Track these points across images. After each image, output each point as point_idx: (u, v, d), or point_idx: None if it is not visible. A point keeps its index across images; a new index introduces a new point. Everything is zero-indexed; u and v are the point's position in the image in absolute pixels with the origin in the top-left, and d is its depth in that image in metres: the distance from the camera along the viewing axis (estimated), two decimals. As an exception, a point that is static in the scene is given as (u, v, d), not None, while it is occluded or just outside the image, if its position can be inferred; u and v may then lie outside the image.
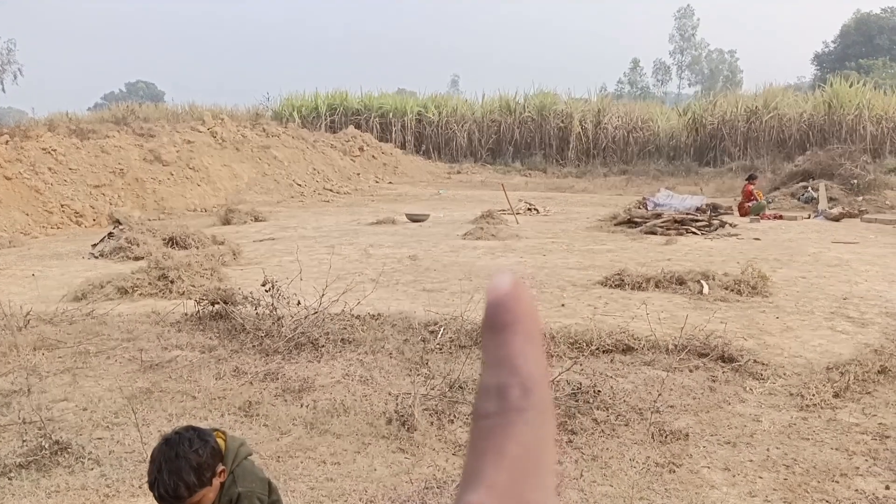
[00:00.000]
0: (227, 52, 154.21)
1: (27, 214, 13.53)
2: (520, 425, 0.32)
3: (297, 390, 4.77)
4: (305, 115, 31.13)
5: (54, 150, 15.40)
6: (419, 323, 6.22)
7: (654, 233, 11.83)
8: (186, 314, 6.32)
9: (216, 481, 2.14)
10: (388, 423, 4.23)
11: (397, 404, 4.39)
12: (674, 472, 3.73)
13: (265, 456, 3.82)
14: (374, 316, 6.40)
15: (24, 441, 3.88)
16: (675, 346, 5.45)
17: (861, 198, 16.27)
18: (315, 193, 19.78)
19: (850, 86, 27.53)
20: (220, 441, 2.31)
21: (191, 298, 6.62)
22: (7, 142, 15.05)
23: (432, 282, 8.25)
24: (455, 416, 4.35)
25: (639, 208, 13.48)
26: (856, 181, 16.94)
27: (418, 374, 5.00)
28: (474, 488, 0.31)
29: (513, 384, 0.33)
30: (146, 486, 3.46)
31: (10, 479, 3.57)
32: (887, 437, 4.10)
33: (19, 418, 4.12)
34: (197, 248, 9.69)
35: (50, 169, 14.87)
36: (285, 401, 4.62)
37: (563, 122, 29.58)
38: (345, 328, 5.85)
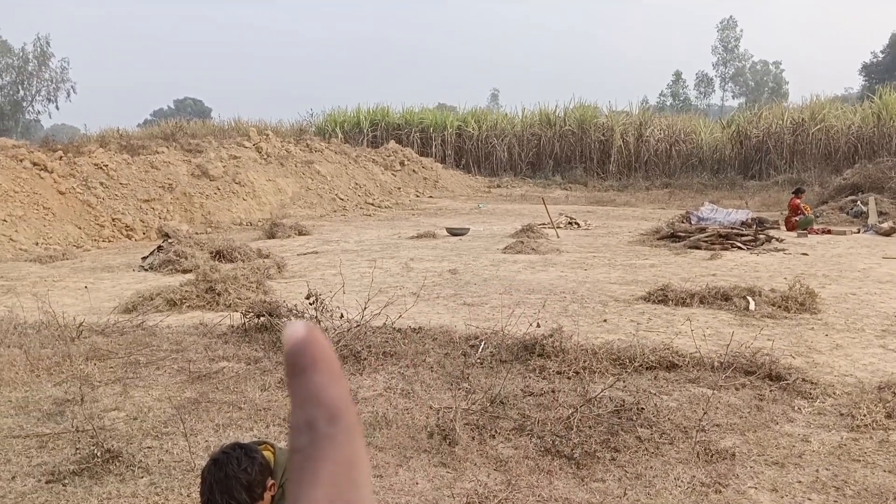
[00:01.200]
0: (272, 68, 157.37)
1: (80, 228, 13.97)
2: (330, 449, 0.35)
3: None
4: (348, 130, 31.56)
5: (106, 166, 15.90)
6: (460, 337, 6.24)
7: (698, 247, 11.65)
8: (233, 326, 6.45)
9: (267, 495, 2.19)
10: (429, 436, 4.25)
11: (438, 418, 4.41)
12: (720, 492, 3.67)
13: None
14: (415, 329, 6.44)
15: (77, 449, 4.01)
16: (721, 363, 5.36)
17: (913, 212, 15.78)
18: (357, 207, 20.01)
19: (901, 97, 26.80)
20: (268, 454, 2.36)
21: (237, 311, 6.75)
22: (61, 157, 15.61)
23: (472, 296, 8.27)
24: (497, 432, 4.35)
25: (682, 222, 13.30)
26: (908, 195, 16.45)
27: (459, 389, 5.02)
28: None
29: (319, 416, 0.35)
30: (194, 494, 3.54)
31: (63, 485, 3.69)
32: (943, 459, 3.96)
33: (73, 427, 4.25)
34: (243, 261, 9.89)
35: (102, 184, 15.35)
36: (328, 413, 4.67)
37: (603, 135, 29.39)
38: (386, 341, 5.91)
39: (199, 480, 3.68)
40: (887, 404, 4.65)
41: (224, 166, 18.00)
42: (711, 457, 4.01)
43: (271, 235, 13.75)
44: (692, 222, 13.23)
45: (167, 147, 18.19)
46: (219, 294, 7.51)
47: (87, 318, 6.65)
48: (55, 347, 5.85)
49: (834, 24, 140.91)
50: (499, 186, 27.22)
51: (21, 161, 14.73)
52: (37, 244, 12.77)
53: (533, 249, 11.61)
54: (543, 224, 14.22)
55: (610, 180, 27.65)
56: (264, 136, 21.59)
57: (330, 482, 0.35)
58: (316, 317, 6.06)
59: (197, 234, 13.69)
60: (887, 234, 13.70)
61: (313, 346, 0.37)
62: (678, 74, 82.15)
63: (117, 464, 3.84)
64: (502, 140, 30.39)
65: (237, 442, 2.39)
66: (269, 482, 2.21)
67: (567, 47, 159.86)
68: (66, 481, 3.71)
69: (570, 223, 15.51)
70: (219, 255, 10.24)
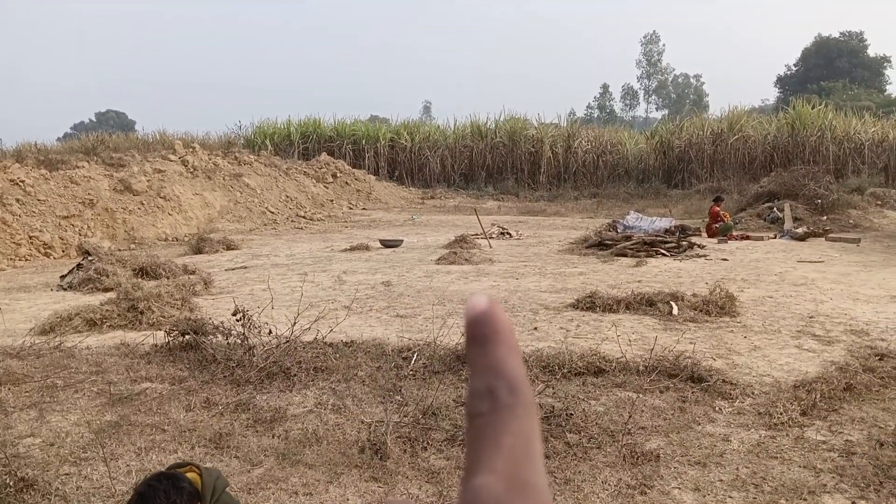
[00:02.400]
0: (199, 80, 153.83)
1: (-7, 246, 13.29)
2: (510, 419, 0.36)
3: (268, 420, 4.73)
4: (278, 142, 31.13)
5: (22, 182, 15.20)
6: (392, 349, 6.22)
7: (624, 255, 11.98)
8: (156, 345, 6.25)
9: None
10: (360, 451, 4.21)
11: (370, 432, 4.37)
12: (645, 493, 3.76)
13: (236, 488, 3.78)
14: (346, 343, 6.39)
15: (-13, 479, 3.80)
16: (646, 367, 5.51)
17: (825, 217, 16.65)
18: (288, 221, 19.72)
19: (813, 108, 28.27)
20: (194, 476, 2.30)
21: (161, 329, 6.55)
22: (-28, 173, 14.83)
23: (406, 307, 8.26)
24: (428, 443, 4.35)
25: (609, 231, 13.66)
26: (820, 201, 17.35)
27: (391, 402, 4.99)
28: (478, 473, 0.35)
29: (500, 385, 0.36)
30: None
31: (-28, 519, 3.49)
32: (853, 453, 4.17)
33: (-18, 456, 4.03)
34: (168, 277, 9.60)
35: (18, 200, 14.66)
36: (257, 431, 4.58)
37: (533, 146, 29.91)
38: (317, 356, 5.83)
39: (118, 507, 3.55)
40: (802, 402, 4.88)
41: (148, 180, 17.47)
42: (637, 459, 4.11)
43: (198, 251, 13.41)
44: (619, 231, 13.60)
45: (88, 161, 17.54)
46: (141, 312, 7.27)
47: (1, 341, 6.33)
48: (-37, 373, 5.53)
49: (750, 38, 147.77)
50: (432, 198, 27.33)
51: (-73, 177, 13.94)
52: (-56, 264, 12.08)
53: (466, 260, 11.70)
54: (476, 235, 14.35)
55: (540, 191, 28.14)
56: (191, 149, 21.07)
57: (509, 454, 0.35)
58: (243, 333, 5.94)
59: (120, 250, 13.20)
60: (802, 238, 14.40)
61: (494, 319, 0.38)
62: (605, 87, 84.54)
63: (32, 493, 3.66)
64: (435, 152, 30.55)
65: (161, 472, 2.31)
66: None
67: (498, 60, 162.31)
68: (-26, 515, 3.51)
69: (502, 233, 15.70)
70: (142, 272, 9.92)
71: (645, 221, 14.18)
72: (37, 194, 15.16)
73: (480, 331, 0.37)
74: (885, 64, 64.85)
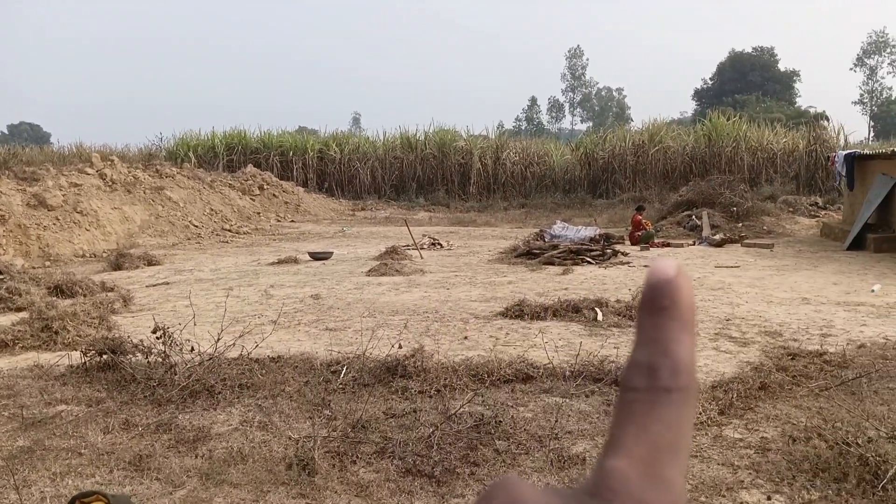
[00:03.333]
0: (117, 91, 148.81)
1: None
2: (664, 404, 0.34)
3: (191, 440, 4.59)
4: (202, 154, 30.37)
5: (-78, 197, 14.33)
6: (321, 363, 6.14)
7: (551, 263, 12.21)
8: (72, 366, 5.99)
9: None
10: (287, 468, 4.14)
11: (298, 448, 4.31)
12: (572, 496, 3.83)
13: (157, 512, 3.66)
14: (273, 359, 6.28)
15: None
16: (572, 372, 5.63)
17: (741, 224, 17.40)
18: (213, 234, 19.24)
19: (728, 120, 29.55)
20: None
21: (77, 349, 6.28)
22: None
23: (335, 320, 8.18)
24: (358, 457, 4.31)
25: (537, 240, 13.90)
26: (735, 209, 18.12)
27: (320, 416, 4.93)
28: (615, 455, 0.33)
29: (663, 365, 0.34)
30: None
31: None
32: (768, 450, 4.36)
33: None
34: (84, 295, 9.21)
35: (-83, 217, 13.81)
36: (179, 452, 4.44)
37: (463, 158, 30.16)
38: (243, 373, 5.71)
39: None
40: (720, 402, 5.07)
41: (64, 195, 16.75)
42: (564, 463, 4.19)
43: (117, 267, 12.91)
44: (546, 240, 13.86)
45: (-2, 175, 16.69)
46: (56, 332, 6.94)
47: None
48: None
49: (670, 53, 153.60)
50: (363, 209, 27.19)
51: None
52: None
53: (397, 271, 11.68)
54: (407, 246, 14.36)
55: (470, 201, 28.39)
56: (109, 162, 20.33)
57: (653, 442, 0.33)
58: (164, 351, 5.75)
59: (34, 268, 12.61)
60: (719, 245, 15.01)
61: (678, 290, 0.35)
62: (533, 100, 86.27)
63: (-69, 528, 3.44)
64: (365, 163, 30.41)
65: None
66: None
67: (427, 72, 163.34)
68: None
69: (433, 244, 15.75)
70: (58, 290, 9.48)
71: (571, 230, 14.50)
72: (-60, 210, 14.32)
73: (658, 299, 0.35)
74: (794, 78, 68.62)
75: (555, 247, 12.88)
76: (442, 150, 30.40)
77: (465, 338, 7.17)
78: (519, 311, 7.91)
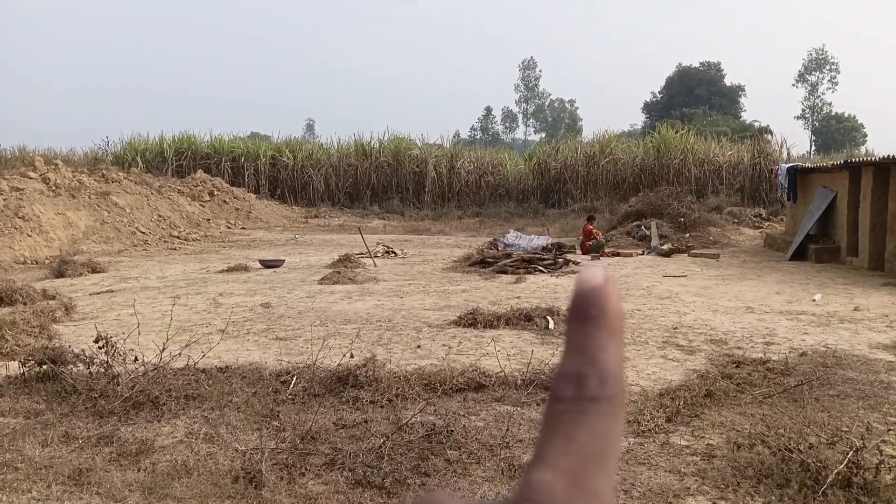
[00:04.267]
0: (62, 92, 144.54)
1: None
2: (592, 414, 0.33)
3: (133, 453, 4.45)
4: (150, 159, 29.70)
5: None
6: (270, 373, 6.04)
7: (504, 272, 12.28)
8: (10, 377, 5.75)
9: None
10: (234, 481, 4.04)
11: (244, 461, 4.22)
12: (523, 505, 3.83)
13: (96, 528, 3.53)
14: (221, 369, 6.15)
15: None
16: (524, 381, 5.65)
17: (688, 234, 17.81)
18: (161, 241, 18.80)
19: (676, 132, 30.27)
20: None
21: (15, 359, 6.04)
22: None
23: (286, 329, 8.06)
24: (307, 469, 4.24)
25: (490, 249, 13.97)
26: (683, 219, 18.55)
27: (268, 428, 4.84)
28: (541, 467, 0.33)
29: (591, 374, 0.34)
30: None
31: None
32: (714, 456, 4.45)
33: None
34: (24, 303, 8.88)
35: None
36: (121, 465, 4.30)
37: (418, 166, 30.19)
38: (189, 383, 5.56)
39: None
40: (667, 409, 5.15)
41: (5, 199, 16.16)
42: (515, 472, 4.19)
43: (60, 274, 12.49)
44: (499, 248, 13.94)
45: (-69, 177, 16.01)
46: (-7, 342, 6.67)
47: None
48: None
49: (619, 66, 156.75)
50: (316, 217, 26.94)
51: None
52: None
53: (350, 279, 11.58)
54: (361, 254, 14.27)
55: (425, 210, 28.40)
56: (52, 166, 19.72)
57: (580, 453, 0.33)
58: (106, 361, 5.58)
59: (-32, 275, 12.10)
60: (667, 254, 15.33)
61: (606, 299, 0.35)
62: (489, 110, 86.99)
63: None
64: (319, 170, 30.16)
65: None
66: None
67: (382, 79, 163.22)
68: None
69: (387, 252, 15.70)
70: (-6, 297, 9.12)
71: (524, 239, 14.62)
72: None
73: (586, 308, 0.35)
74: (739, 92, 70.76)
75: (508, 255, 12.96)
76: (397, 159, 30.37)
77: (418, 346, 7.14)
78: (472, 320, 7.93)
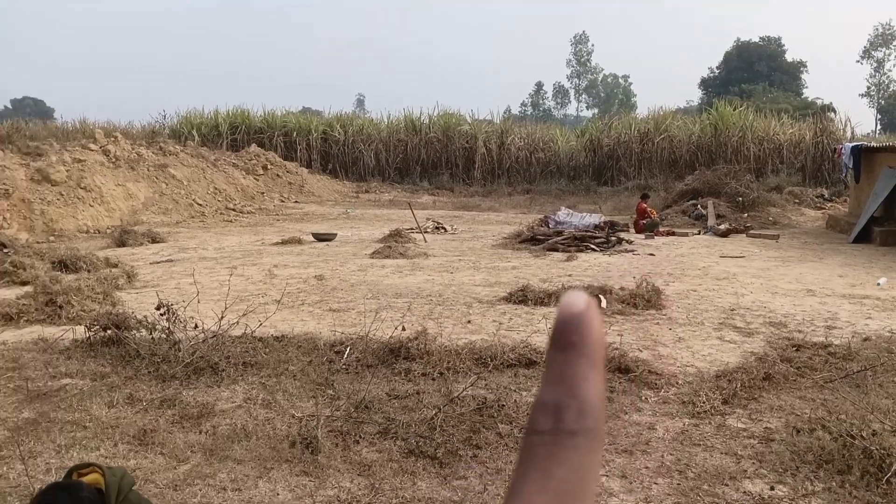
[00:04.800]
0: (122, 68, 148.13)
1: None
2: (569, 448, 0.33)
3: (195, 416, 4.60)
4: (205, 133, 30.24)
5: (-73, 169, 14.31)
6: (324, 343, 6.15)
7: (555, 250, 12.19)
8: (76, 341, 6.00)
9: None
10: (291, 446, 4.14)
11: (301, 427, 4.31)
12: (575, 481, 3.84)
13: (161, 485, 3.67)
14: (277, 338, 6.28)
15: None
16: (576, 358, 5.63)
17: (746, 214, 17.35)
18: (217, 213, 19.21)
19: (734, 109, 29.37)
20: (96, 477, 2.19)
21: (81, 324, 6.28)
22: None
23: (338, 301, 8.18)
24: (361, 437, 4.32)
25: (541, 226, 13.87)
26: (741, 199, 18.06)
27: (323, 396, 4.94)
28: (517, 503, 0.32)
29: (570, 405, 0.33)
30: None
31: None
32: (772, 440, 4.36)
33: None
34: (88, 271, 9.21)
35: (-78, 189, 13.80)
36: (183, 427, 4.45)
37: (468, 142, 30.06)
38: (246, 351, 5.71)
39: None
40: (724, 391, 5.07)
41: (68, 170, 16.71)
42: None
43: (121, 243, 12.91)
44: (550, 226, 13.83)
45: (2, 150, 16.64)
46: (60, 307, 6.95)
47: None
48: None
49: (676, 41, 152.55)
50: (367, 191, 27.13)
51: None
52: None
53: (401, 254, 11.67)
54: (411, 229, 14.34)
55: (475, 186, 28.32)
56: (112, 139, 20.27)
57: (557, 489, 0.32)
58: (168, 328, 5.76)
59: (38, 243, 12.61)
60: (724, 234, 14.98)
61: (586, 326, 0.34)
62: (539, 85, 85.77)
63: (-64, 497, 3.46)
64: (369, 145, 30.30)
65: (57, 483, 2.19)
66: None
67: (432, 55, 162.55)
68: None
69: (437, 228, 15.74)
70: (62, 265, 9.48)
71: (575, 217, 14.46)
72: (-56, 183, 14.31)
73: (567, 335, 0.34)
74: (801, 69, 68.12)
75: (559, 233, 12.85)
76: (446, 134, 30.29)
77: (469, 322, 7.17)
78: (522, 297, 7.90)
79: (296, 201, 23.51)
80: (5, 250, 10.39)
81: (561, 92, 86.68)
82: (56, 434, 4.29)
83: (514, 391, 4.97)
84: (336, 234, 14.23)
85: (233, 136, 30.33)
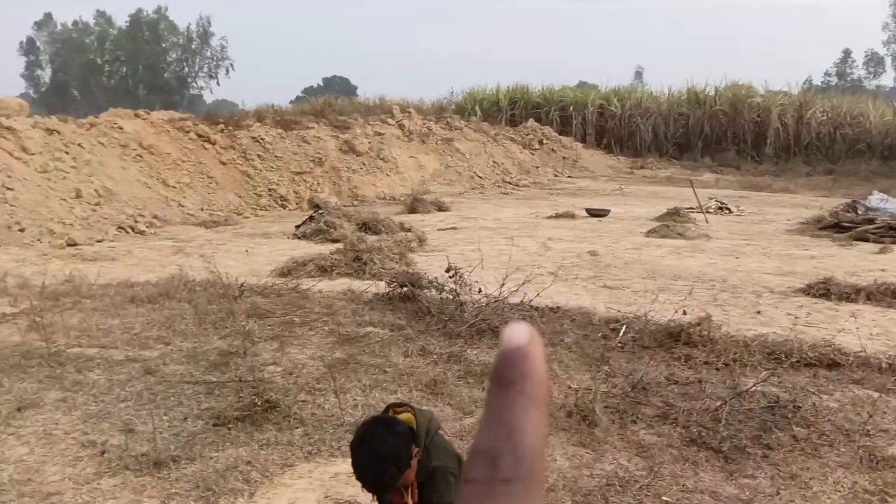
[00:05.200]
0: (413, 46, 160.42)
1: (240, 196, 15.01)
2: (503, 497, 0.31)
3: (478, 374, 4.89)
4: (487, 108, 31.56)
5: (262, 139, 16.92)
6: (599, 319, 6.14)
7: (865, 239, 10.72)
8: (377, 294, 6.70)
9: (413, 462, 2.27)
10: (567, 416, 4.22)
11: (577, 398, 4.36)
12: (886, 501, 3.39)
13: (450, 433, 3.97)
14: (552, 309, 6.41)
15: (240, 397, 4.34)
16: (890, 365, 4.93)
17: None
18: (494, 185, 20.07)
19: None
20: (409, 416, 2.42)
21: (381, 280, 7.01)
22: (222, 130, 16.77)
23: (613, 279, 8.09)
24: (638, 417, 4.25)
25: (847, 212, 12.27)
26: None
27: (598, 371, 4.94)
28: None
29: (505, 451, 0.31)
30: (344, 447, 3.74)
31: (228, 429, 4.01)
32: None
33: (236, 377, 4.60)
34: (386, 233, 10.23)
35: (259, 156, 16.37)
36: (468, 383, 4.76)
37: (759, 116, 27.56)
38: (523, 318, 5.91)
39: (348, 435, 3.88)
40: None
41: (369, 142, 18.62)
42: (877, 463, 3.71)
43: (412, 210, 14.10)
44: (859, 212, 12.16)
45: (317, 123, 19.05)
46: (365, 263, 7.82)
47: (248, 280, 7.15)
48: (220, 304, 6.34)
49: None
50: (642, 167, 26.29)
51: (187, 133, 15.99)
52: (202, 210, 13.85)
53: (679, 234, 11.16)
54: (691, 208, 13.61)
55: (765, 164, 25.91)
56: (407, 114, 22.08)
57: None
58: (455, 290, 6.17)
59: (344, 206, 14.28)
60: None
61: (526, 361, 0.32)
62: (847, 52, 75.49)
63: (275, 414, 4.13)
64: (647, 119, 29.25)
65: (378, 416, 2.47)
66: (414, 450, 2.28)
67: (716, 24, 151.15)
68: (231, 426, 4.03)
69: (720, 208, 14.75)
70: (364, 226, 10.65)
71: (892, 203, 12.54)
72: (274, 151, 16.81)
73: (505, 372, 0.32)
74: None
75: (870, 221, 11.26)
76: (734, 108, 28.07)
77: (758, 312, 6.63)
78: (824, 290, 7.10)
79: (569, 176, 23.62)
80: (320, 211, 11.93)
81: (874, 60, 75.19)
82: (361, 375, 4.86)
83: (814, 393, 4.49)
84: (609, 211, 14.04)
85: (511, 111, 31.26)
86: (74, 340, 5.46)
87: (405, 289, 6.51)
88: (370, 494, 2.34)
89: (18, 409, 4.25)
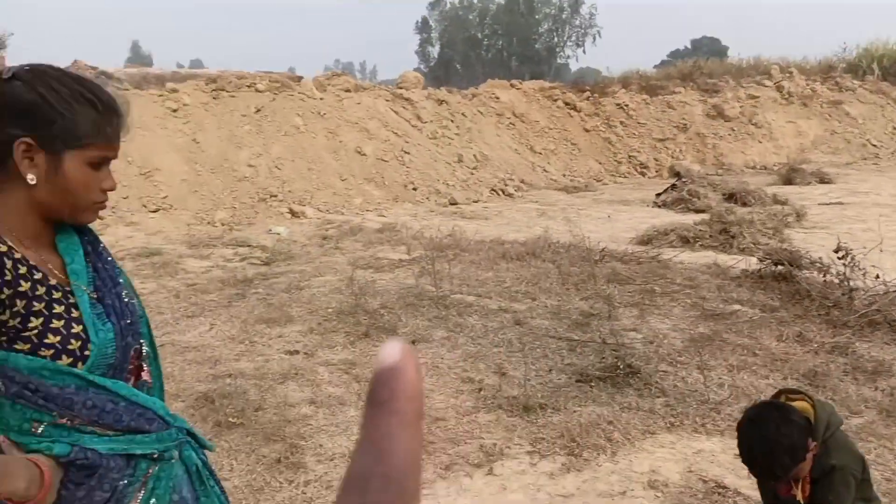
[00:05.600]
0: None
1: (600, 163, 15.24)
2: None
3: (869, 371, 4.28)
4: (888, 66, 26.83)
5: (626, 106, 16.84)
6: None
7: None
8: (747, 271, 6.25)
9: (809, 456, 2.08)
10: None
11: None
12: None
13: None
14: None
15: (601, 358, 4.44)
16: None
17: None
18: (893, 156, 17.12)
19: None
20: (805, 406, 2.21)
21: (752, 256, 6.51)
22: (587, 98, 17.10)
23: None
24: None
25: None
26: None
27: None
28: None
29: (375, 474, 0.29)
30: (709, 425, 3.60)
31: (591, 386, 4.13)
32: None
33: (598, 338, 4.71)
34: (758, 205, 9.45)
35: (621, 123, 16.36)
36: (855, 379, 4.19)
37: None
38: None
39: (713, 413, 3.73)
40: None
41: (741, 107, 17.29)
42: None
43: (788, 181, 12.78)
44: None
45: (683, 87, 18.27)
46: (733, 237, 7.34)
47: (608, 245, 7.24)
48: (581, 267, 6.55)
49: None
50: None
51: (555, 101, 16.65)
52: (564, 175, 14.39)
53: None
54: None
55: None
56: (787, 74, 19.90)
57: None
58: (844, 273, 5.43)
59: (708, 175, 13.56)
60: None
61: (399, 378, 0.31)
62: None
63: (636, 379, 4.13)
64: None
65: (772, 401, 2.30)
66: (811, 444, 2.08)
67: None
68: (592, 384, 4.15)
69: None
70: (732, 197, 9.98)
71: None
72: (637, 118, 16.61)
73: (377, 392, 0.30)
74: None
75: None
76: None
77: None
78: None
79: None
80: (682, 179, 11.50)
81: None
82: (728, 354, 4.59)
83: None
84: None
85: (921, 68, 26.11)
86: (456, 287, 6.14)
87: (781, 267, 5.95)
88: (753, 478, 2.21)
89: (413, 342, 4.94)
